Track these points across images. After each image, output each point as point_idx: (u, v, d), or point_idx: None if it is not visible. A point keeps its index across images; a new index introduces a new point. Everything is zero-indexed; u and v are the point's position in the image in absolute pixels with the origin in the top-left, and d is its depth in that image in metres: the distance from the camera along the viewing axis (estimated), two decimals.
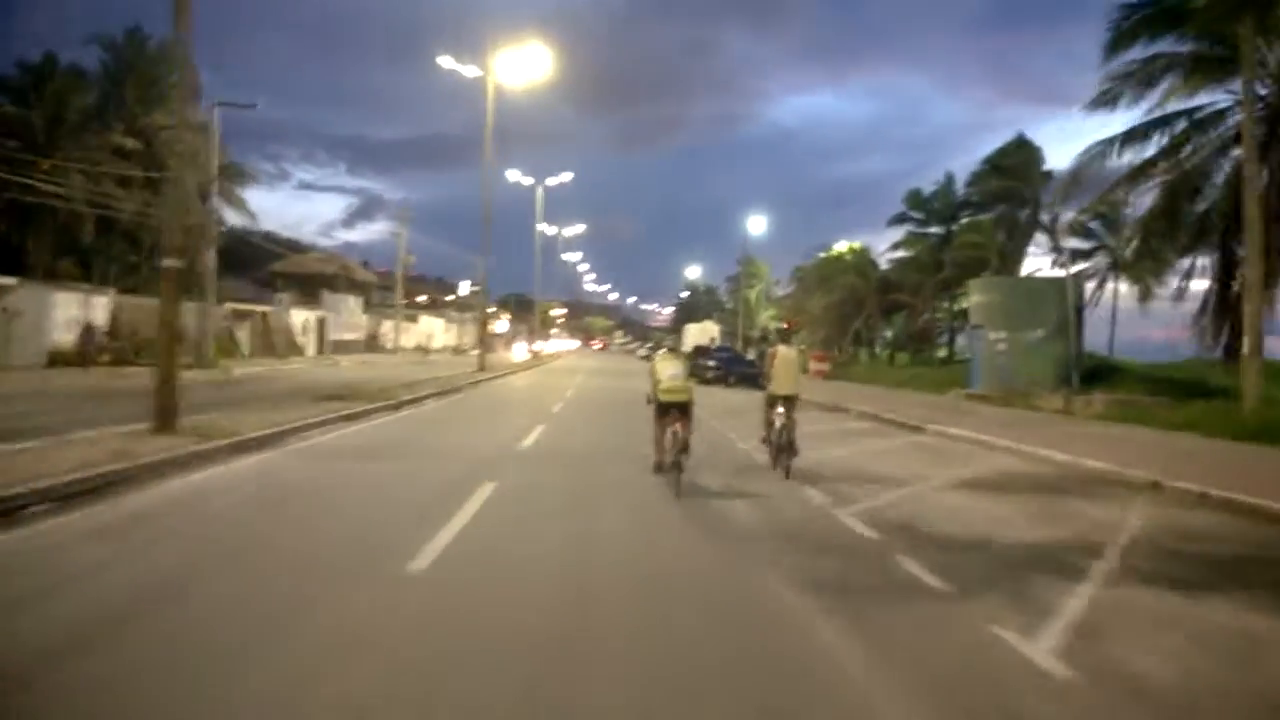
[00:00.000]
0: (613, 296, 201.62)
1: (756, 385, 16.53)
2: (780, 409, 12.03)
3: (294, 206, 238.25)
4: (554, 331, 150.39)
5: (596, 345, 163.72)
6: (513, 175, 66.63)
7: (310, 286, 61.46)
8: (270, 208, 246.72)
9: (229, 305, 43.46)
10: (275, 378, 31.84)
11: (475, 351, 58.87)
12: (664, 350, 11.47)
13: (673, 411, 10.66)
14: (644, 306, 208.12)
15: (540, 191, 69.62)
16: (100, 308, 33.86)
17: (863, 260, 53.46)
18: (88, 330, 31.90)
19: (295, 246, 65.09)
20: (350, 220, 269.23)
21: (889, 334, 59.26)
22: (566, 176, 67.77)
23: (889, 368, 47.14)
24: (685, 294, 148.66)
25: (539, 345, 79.75)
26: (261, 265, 63.67)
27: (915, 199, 56.55)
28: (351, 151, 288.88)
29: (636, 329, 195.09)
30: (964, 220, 52.29)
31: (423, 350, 77.36)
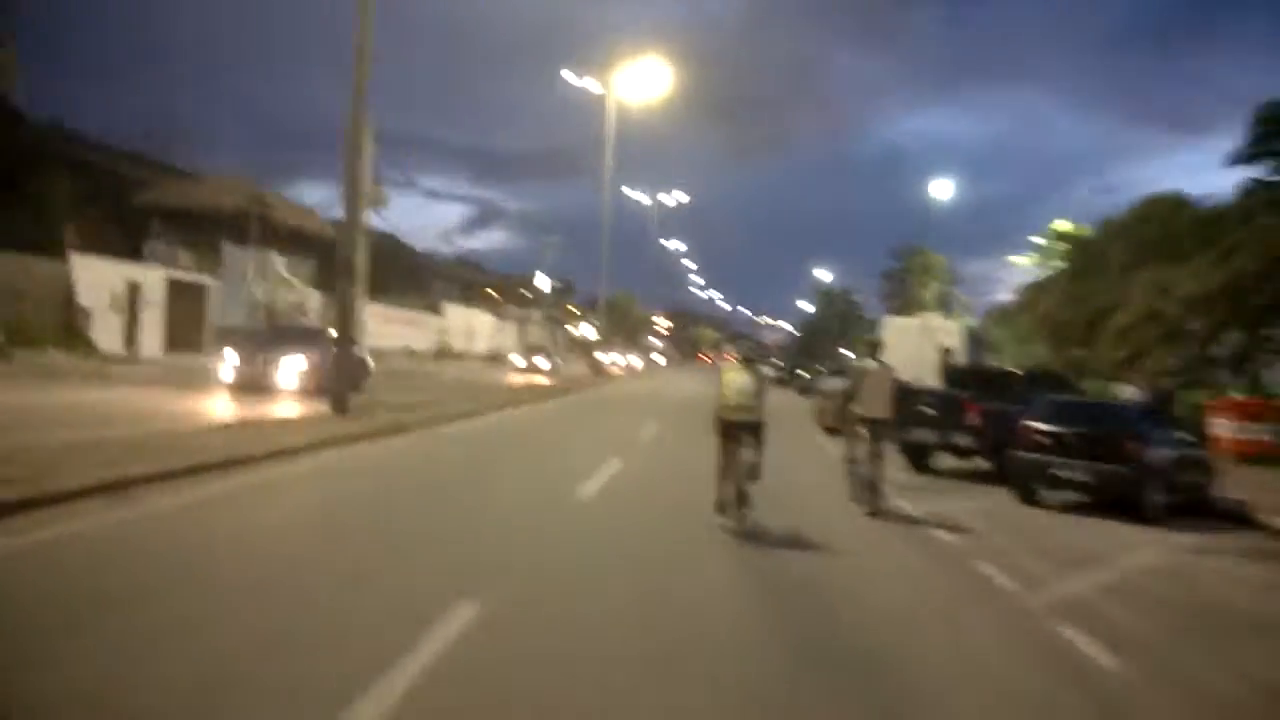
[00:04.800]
0: (723, 306, 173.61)
1: None
2: (865, 434, 10.18)
3: (420, 214, 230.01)
4: (654, 340, 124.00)
5: (706, 359, 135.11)
6: (629, 192, 62.61)
7: (204, 231, 35.62)
8: (395, 214, 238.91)
9: None
10: None
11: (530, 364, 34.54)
12: (734, 361, 9.46)
13: (738, 433, 8.83)
14: (758, 319, 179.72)
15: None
16: None
17: None
18: None
19: (172, 170, 39.28)
20: (468, 228, 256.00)
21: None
22: (683, 198, 69.83)
23: None
24: (809, 305, 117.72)
25: (604, 357, 52.28)
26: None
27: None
28: (475, 162, 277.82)
29: (750, 344, 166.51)
30: None
31: (445, 355, 51.48)
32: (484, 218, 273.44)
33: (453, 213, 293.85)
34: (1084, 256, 34.37)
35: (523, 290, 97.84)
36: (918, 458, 15.00)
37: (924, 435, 14.23)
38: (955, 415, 13.72)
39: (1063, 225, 47.35)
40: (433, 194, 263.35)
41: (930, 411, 14.08)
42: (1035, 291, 39.02)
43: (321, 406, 14.35)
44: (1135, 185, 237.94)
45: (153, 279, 29.38)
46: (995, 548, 8.88)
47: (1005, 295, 66.74)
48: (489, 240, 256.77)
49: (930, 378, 21.87)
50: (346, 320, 14.82)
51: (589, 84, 42.61)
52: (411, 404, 17.22)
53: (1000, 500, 12.22)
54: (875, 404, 10.32)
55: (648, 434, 18.09)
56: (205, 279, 32.97)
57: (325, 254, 41.67)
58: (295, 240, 39.37)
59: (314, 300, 40.06)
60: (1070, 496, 12.07)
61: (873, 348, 11.80)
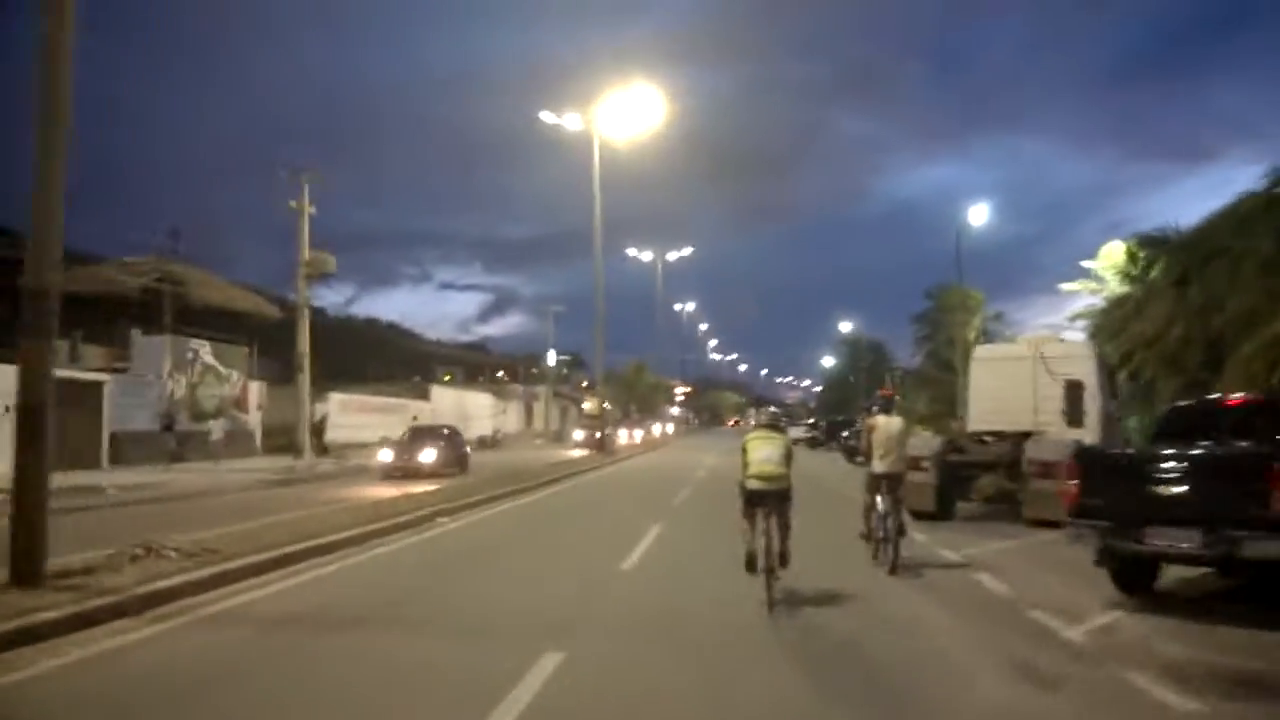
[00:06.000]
0: (742, 368, 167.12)
1: None
2: (883, 491, 9.99)
3: (436, 306, 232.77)
4: (673, 410, 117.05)
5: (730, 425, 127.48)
6: (632, 252, 61.71)
7: (112, 320, 29.47)
8: (412, 307, 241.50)
9: None
10: None
11: (408, 460, 24.91)
12: (757, 426, 8.66)
13: (766, 503, 8.04)
14: (779, 380, 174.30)
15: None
16: None
17: None
18: None
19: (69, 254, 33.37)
20: (485, 315, 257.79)
21: None
22: (686, 250, 66.18)
23: None
24: (832, 360, 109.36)
25: (612, 431, 45.02)
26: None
27: None
28: (487, 251, 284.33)
29: (775, 408, 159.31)
30: None
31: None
32: (499, 305, 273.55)
33: (471, 302, 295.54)
34: (1187, 262, 27.40)
35: (532, 369, 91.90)
36: (1137, 575, 8.00)
37: (1173, 539, 7.15)
38: (1246, 497, 6.71)
39: (1116, 248, 41.48)
40: (447, 285, 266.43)
41: (1184, 493, 7.06)
42: (1119, 312, 32.10)
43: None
44: (1141, 219, 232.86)
45: None
46: None
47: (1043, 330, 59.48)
48: (506, 326, 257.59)
49: (1057, 428, 14.93)
50: (36, 402, 7.98)
51: (569, 120, 36.53)
52: (241, 538, 10.34)
53: None
54: (888, 459, 10.10)
55: (638, 555, 11.05)
56: (101, 376, 26.54)
57: (268, 338, 35.48)
58: (225, 323, 33.06)
59: (253, 392, 33.57)
60: None
61: (885, 401, 11.50)
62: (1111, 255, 41.73)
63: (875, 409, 11.11)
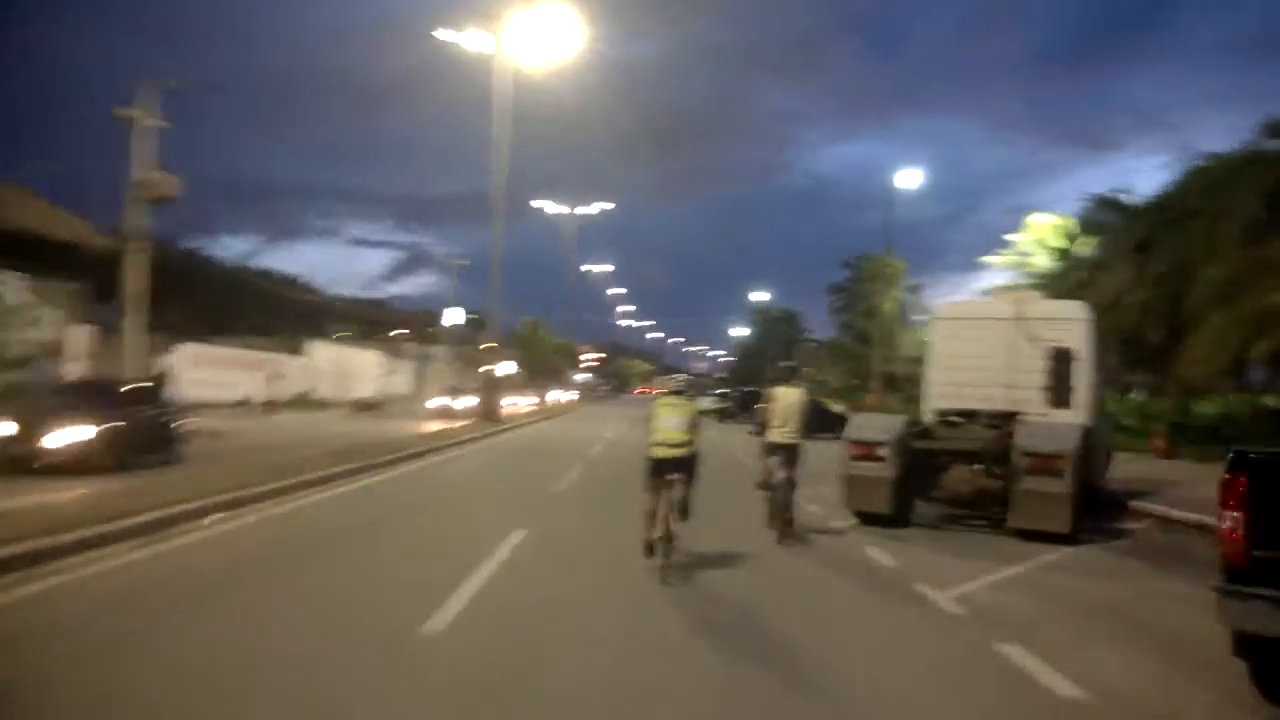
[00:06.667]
0: (654, 336, 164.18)
1: None
2: (779, 459, 9.94)
3: (347, 262, 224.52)
4: (579, 375, 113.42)
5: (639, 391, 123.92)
6: (540, 203, 59.86)
7: None
8: (322, 262, 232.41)
9: None
10: None
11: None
12: (664, 394, 8.68)
13: (670, 470, 8.05)
14: (690, 349, 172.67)
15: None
16: None
17: None
18: None
19: None
20: (395, 273, 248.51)
21: None
22: (597, 207, 62.71)
23: None
24: (744, 330, 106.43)
25: (459, 400, 39.98)
26: None
27: None
28: (400, 207, 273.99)
29: (685, 377, 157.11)
30: None
31: (279, 406, 39.25)
32: (410, 263, 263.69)
33: (383, 259, 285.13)
34: (1150, 226, 24.78)
35: (429, 328, 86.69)
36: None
37: None
38: None
39: (1041, 221, 40.42)
40: (360, 241, 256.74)
41: None
42: (1069, 280, 29.73)
43: None
44: (1043, 205, 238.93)
45: None
46: None
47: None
48: (417, 285, 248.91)
49: (1037, 404, 11.67)
50: None
51: (471, 38, 31.82)
52: None
53: None
54: (785, 430, 10.07)
55: (468, 595, 6.78)
56: None
57: (102, 275, 30.24)
58: (45, 255, 27.71)
59: (78, 337, 28.47)
60: None
61: (789, 371, 11.59)
62: (1037, 229, 39.87)
63: (785, 380, 10.75)
